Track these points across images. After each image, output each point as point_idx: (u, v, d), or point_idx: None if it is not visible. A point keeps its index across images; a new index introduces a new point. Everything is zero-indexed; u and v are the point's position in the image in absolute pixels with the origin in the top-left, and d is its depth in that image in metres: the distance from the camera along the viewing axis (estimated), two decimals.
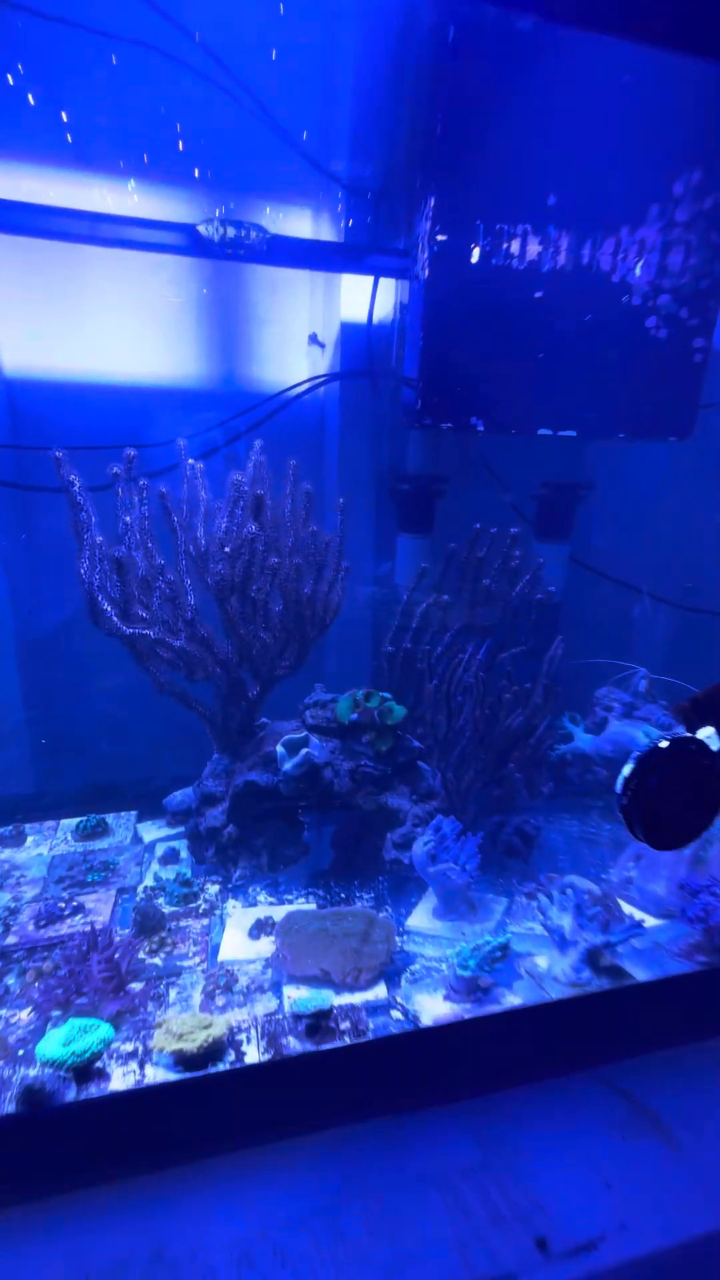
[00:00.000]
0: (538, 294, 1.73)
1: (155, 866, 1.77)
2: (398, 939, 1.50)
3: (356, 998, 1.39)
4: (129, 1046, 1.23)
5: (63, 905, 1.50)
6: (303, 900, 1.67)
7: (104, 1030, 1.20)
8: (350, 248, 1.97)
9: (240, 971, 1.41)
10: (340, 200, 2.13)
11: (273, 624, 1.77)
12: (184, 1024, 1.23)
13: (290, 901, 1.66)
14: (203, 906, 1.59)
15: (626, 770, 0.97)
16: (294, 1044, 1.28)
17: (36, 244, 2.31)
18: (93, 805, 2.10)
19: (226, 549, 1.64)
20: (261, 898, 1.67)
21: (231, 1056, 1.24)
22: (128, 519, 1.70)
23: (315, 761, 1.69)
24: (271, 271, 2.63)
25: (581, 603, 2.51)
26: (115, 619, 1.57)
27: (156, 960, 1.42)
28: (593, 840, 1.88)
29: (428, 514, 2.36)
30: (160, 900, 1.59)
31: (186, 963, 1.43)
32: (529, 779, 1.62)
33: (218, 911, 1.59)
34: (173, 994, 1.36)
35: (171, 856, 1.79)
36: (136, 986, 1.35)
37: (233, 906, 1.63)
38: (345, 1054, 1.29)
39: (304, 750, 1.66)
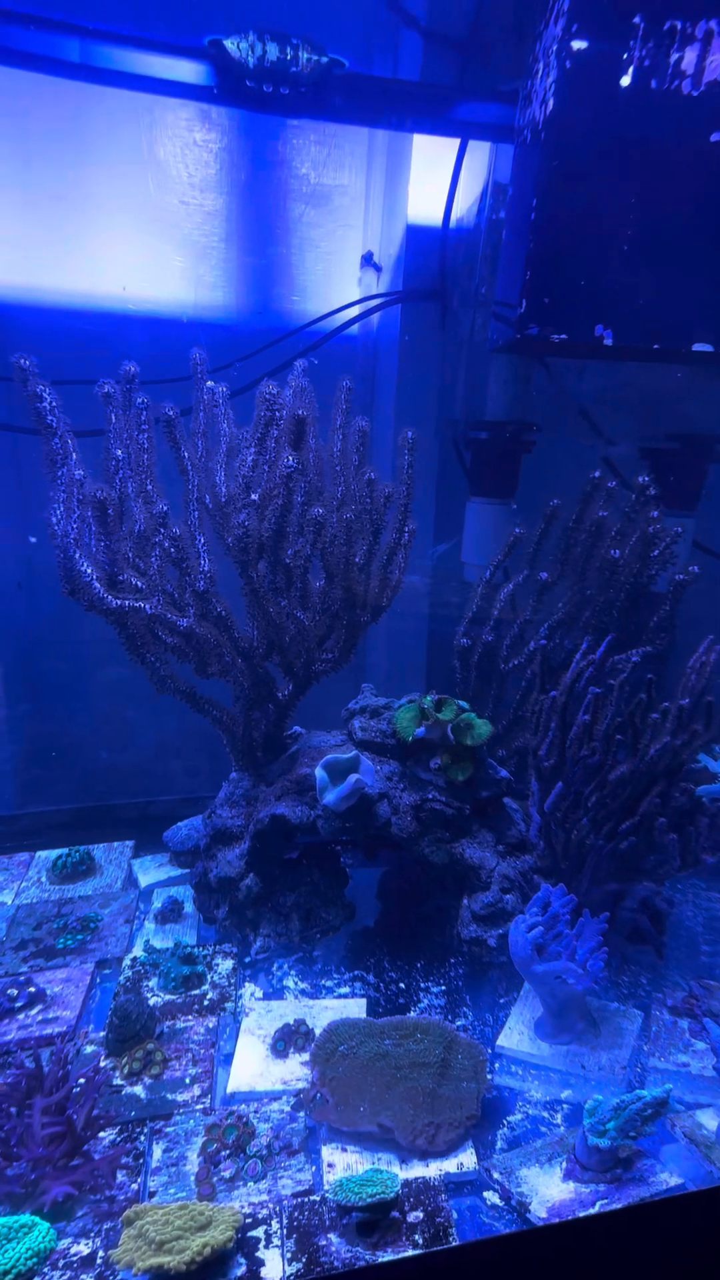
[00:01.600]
0: (716, 136, 1.19)
1: (150, 927, 1.32)
2: (489, 1074, 1.01)
3: (431, 1169, 0.92)
4: (82, 1249, 0.78)
5: (14, 992, 1.05)
6: (346, 989, 1.19)
7: (38, 1235, 0.75)
8: (435, 90, 1.45)
9: (258, 1117, 0.94)
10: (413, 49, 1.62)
11: (312, 602, 1.29)
12: (168, 1222, 0.77)
13: (329, 991, 1.18)
14: (209, 996, 1.13)
15: None
16: (338, 1247, 0.81)
17: (23, 133, 1.87)
18: (81, 832, 1.67)
19: (253, 494, 1.17)
20: (290, 983, 1.19)
21: (241, 1271, 0.78)
22: (119, 453, 1.24)
23: (368, 793, 1.21)
24: (319, 173, 2.14)
25: (701, 597, 1.96)
26: (97, 585, 1.11)
27: (138, 1089, 0.97)
28: None
29: (510, 473, 1.85)
30: (153, 983, 1.13)
31: (181, 1094, 0.97)
32: (682, 838, 1.11)
33: (229, 1004, 1.12)
34: (157, 1151, 0.90)
35: (172, 911, 1.33)
36: (105, 1136, 0.90)
37: (251, 997, 1.16)
38: (418, 1270, 0.82)
39: (353, 777, 1.18)
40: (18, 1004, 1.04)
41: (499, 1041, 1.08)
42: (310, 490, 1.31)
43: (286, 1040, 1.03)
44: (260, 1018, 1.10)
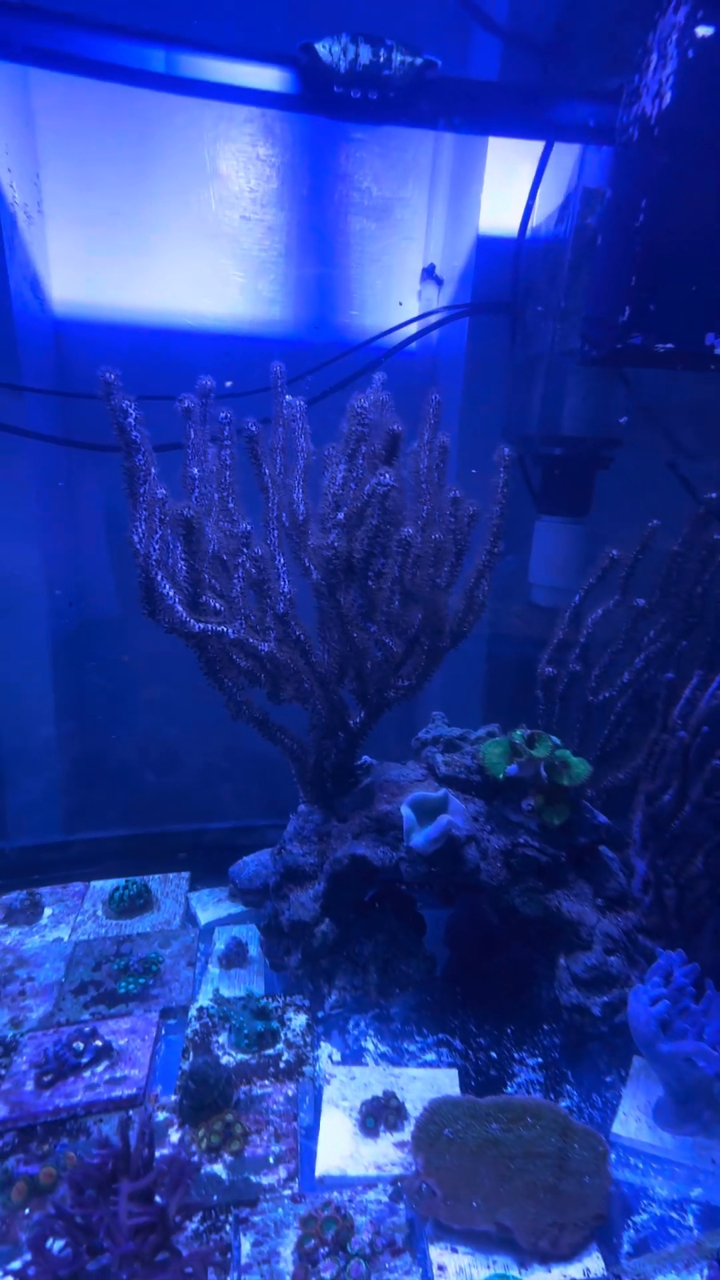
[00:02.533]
0: None
1: (214, 971, 1.23)
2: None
3: (555, 1275, 0.80)
4: None
5: (80, 1046, 0.97)
6: (432, 1056, 1.08)
7: None
8: (529, 90, 1.39)
9: (354, 1207, 0.84)
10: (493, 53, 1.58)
11: (395, 625, 1.21)
12: None
13: (413, 1057, 1.08)
14: (285, 1057, 1.03)
15: None
16: None
17: (84, 149, 1.87)
18: (133, 861, 1.60)
19: (340, 512, 1.10)
20: (370, 1044, 1.09)
21: None
22: (195, 471, 1.19)
23: (456, 835, 1.11)
24: (380, 186, 2.11)
25: None
26: (180, 608, 1.05)
27: (218, 1168, 0.87)
28: None
29: (584, 490, 1.76)
30: (223, 1039, 1.04)
31: (266, 1176, 0.87)
32: None
33: (307, 1067, 1.02)
34: (246, 1245, 0.81)
35: (236, 954, 1.25)
36: (188, 1224, 0.81)
37: (329, 1060, 1.06)
38: None
39: (444, 818, 1.09)
40: (84, 1059, 0.95)
41: (614, 1129, 0.96)
42: (393, 508, 1.24)
43: (376, 1116, 0.93)
44: (343, 1086, 1.00)
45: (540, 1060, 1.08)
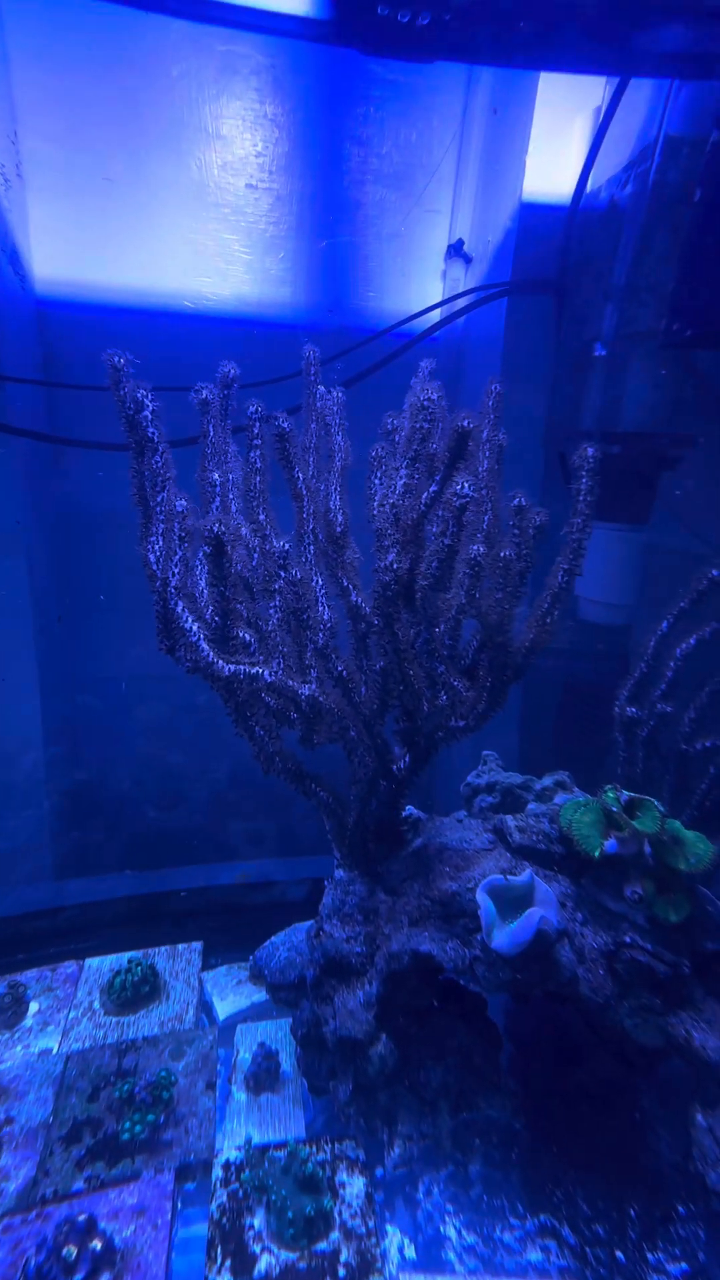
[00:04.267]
0: None
1: (239, 1098, 0.99)
2: None
3: None
4: None
5: (71, 1252, 0.69)
6: (537, 1255, 0.83)
7: None
8: (610, 7, 1.16)
9: None
10: None
11: (459, 658, 0.99)
12: None
13: (513, 1253, 0.82)
14: (345, 1257, 0.77)
15: None
16: None
17: (73, 107, 1.62)
18: (136, 929, 1.36)
19: (401, 522, 0.87)
20: (451, 1231, 0.83)
21: None
22: (216, 476, 0.96)
23: (550, 934, 0.89)
24: (403, 153, 1.88)
25: None
26: (205, 646, 0.82)
27: None
28: None
29: (646, 495, 1.55)
30: (257, 1222, 0.80)
31: None
32: None
33: (378, 1275, 0.77)
34: None
35: (266, 1070, 1.01)
36: None
37: (400, 1259, 0.81)
38: None
39: (534, 913, 0.86)
40: (77, 1274, 0.69)
41: None
42: (468, 524, 1.01)
43: None
44: None
45: (686, 1269, 0.83)
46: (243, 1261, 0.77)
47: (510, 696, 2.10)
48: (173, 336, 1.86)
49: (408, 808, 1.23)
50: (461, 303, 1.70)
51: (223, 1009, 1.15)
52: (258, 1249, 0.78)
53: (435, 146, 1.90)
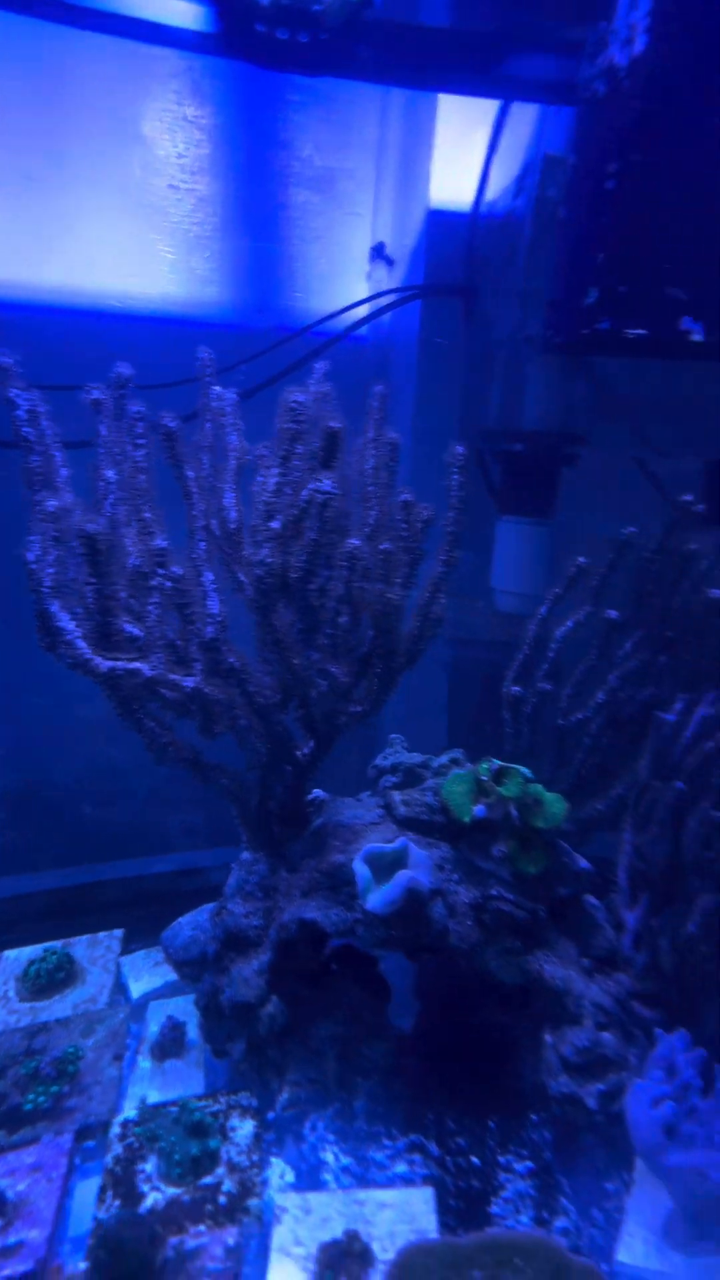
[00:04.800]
0: None
1: (144, 1065, 1.05)
2: None
3: None
4: None
5: None
6: (403, 1166, 0.93)
7: None
8: (490, 38, 1.23)
9: None
10: None
11: (342, 645, 1.06)
12: None
13: (382, 1168, 0.93)
14: (226, 1185, 0.85)
15: None
16: None
17: None
18: (62, 921, 1.40)
19: (274, 522, 0.93)
20: (330, 1156, 0.93)
21: None
22: (111, 474, 1.00)
23: (421, 892, 0.97)
24: (323, 156, 1.93)
25: None
26: (82, 644, 0.87)
27: None
28: None
29: (549, 489, 1.64)
30: (149, 1167, 0.87)
31: None
32: None
33: (253, 1200, 0.85)
34: None
35: (171, 1039, 1.07)
36: None
37: (281, 1183, 0.90)
38: None
39: (403, 874, 0.94)
40: None
41: (619, 1256, 0.83)
42: (334, 516, 1.08)
43: (335, 1267, 0.77)
44: (296, 1224, 0.83)
45: (531, 1165, 0.94)
46: (131, 1199, 0.84)
47: (439, 684, 2.19)
48: (100, 336, 1.87)
49: (315, 790, 1.29)
50: (368, 309, 1.76)
51: (137, 989, 1.20)
52: (147, 1189, 0.85)
53: (354, 150, 1.95)
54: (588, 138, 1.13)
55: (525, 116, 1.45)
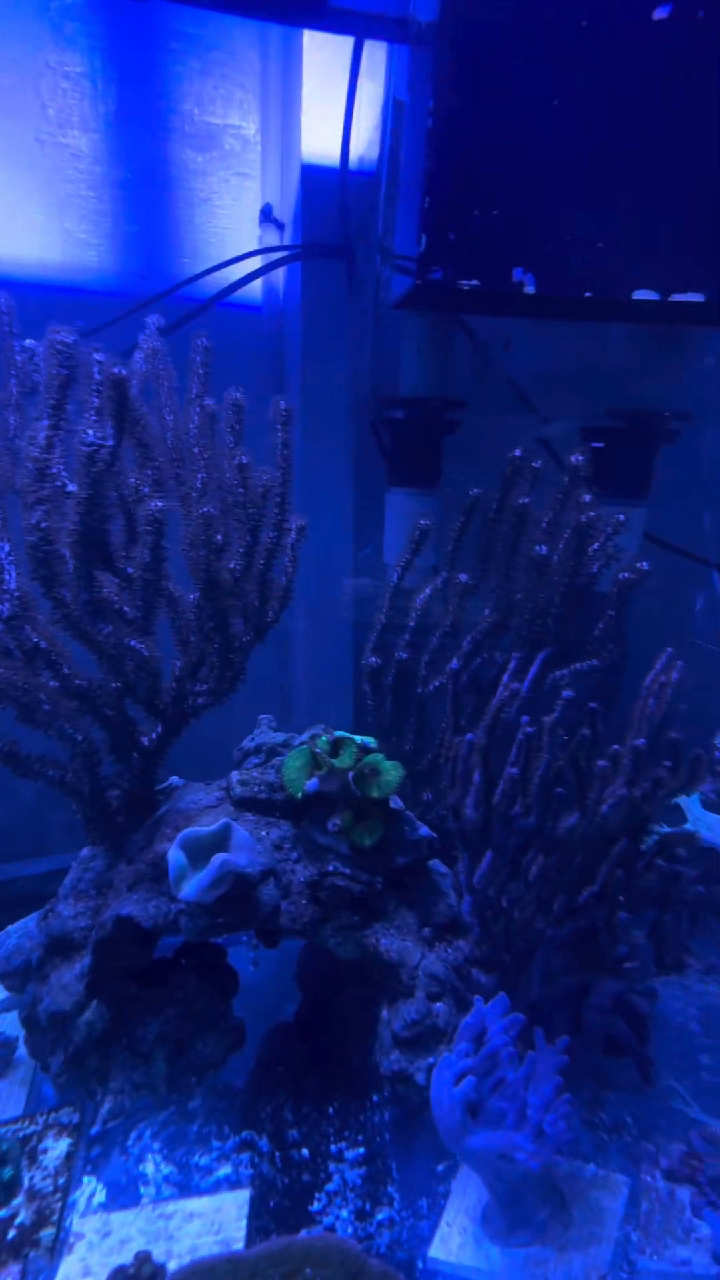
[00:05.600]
0: (661, 13, 0.92)
1: None
2: None
3: None
4: None
5: None
6: (227, 1169, 0.87)
7: None
8: None
9: None
10: None
11: (153, 625, 0.98)
12: None
13: (205, 1173, 0.87)
14: (21, 1219, 0.77)
15: None
16: None
17: None
18: None
19: (46, 485, 0.84)
20: (150, 1167, 0.86)
21: None
22: None
23: (247, 873, 0.91)
24: (205, 111, 1.81)
25: (661, 600, 1.73)
26: None
27: None
28: None
29: (431, 459, 1.58)
30: None
31: None
32: (657, 930, 0.86)
33: (47, 1230, 0.77)
34: None
35: (1, 1059, 0.99)
36: None
37: (90, 1205, 0.82)
38: None
39: (218, 860, 0.88)
40: None
41: (432, 1252, 0.78)
42: (158, 480, 1.00)
43: None
44: (89, 1251, 0.75)
45: (363, 1152, 0.89)
46: None
47: (346, 664, 2.11)
48: None
49: (172, 778, 1.22)
50: (248, 267, 1.67)
51: None
52: None
53: (237, 106, 1.85)
54: (415, 77, 1.06)
55: (382, 60, 1.37)
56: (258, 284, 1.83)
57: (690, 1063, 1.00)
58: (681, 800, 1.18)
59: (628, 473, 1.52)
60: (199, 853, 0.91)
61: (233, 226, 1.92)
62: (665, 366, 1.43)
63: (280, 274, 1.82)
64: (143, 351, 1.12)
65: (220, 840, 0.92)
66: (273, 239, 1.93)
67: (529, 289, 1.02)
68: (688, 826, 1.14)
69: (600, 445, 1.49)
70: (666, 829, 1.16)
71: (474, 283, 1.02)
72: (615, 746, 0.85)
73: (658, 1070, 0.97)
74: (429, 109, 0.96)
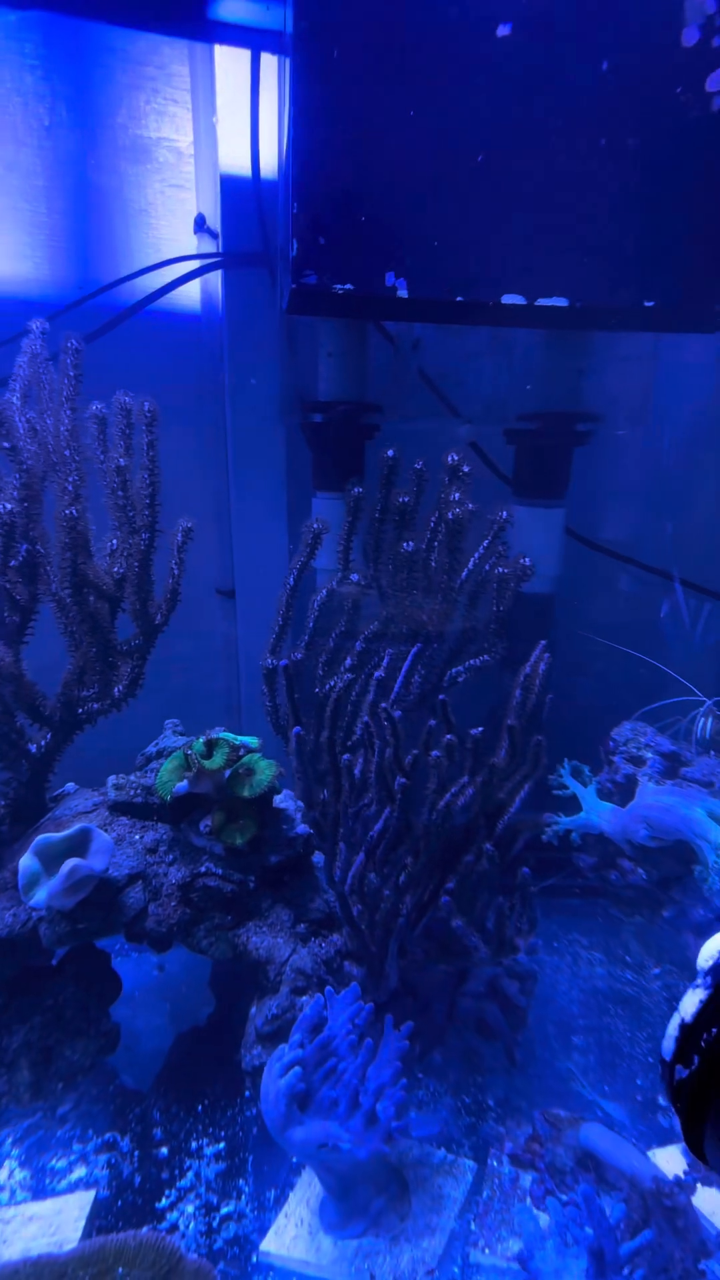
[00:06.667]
0: (503, 30, 0.93)
1: None
2: None
3: None
4: None
5: None
6: (81, 1171, 0.86)
7: None
8: None
9: None
10: None
11: (9, 629, 0.98)
12: None
13: (59, 1177, 0.86)
14: None
15: (690, 1006, 0.32)
16: None
17: None
18: None
19: None
20: (4, 1174, 0.85)
21: None
22: None
23: (112, 876, 0.90)
24: (137, 124, 1.84)
25: (581, 596, 1.74)
26: None
27: None
28: (627, 998, 1.06)
29: (351, 461, 1.59)
30: None
31: None
32: (496, 917, 0.85)
33: None
34: None
35: None
36: None
37: None
38: None
39: (69, 864, 0.87)
40: None
41: (264, 1244, 0.76)
42: (27, 484, 1.00)
43: None
44: None
45: (223, 1147, 0.88)
46: None
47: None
48: None
49: (68, 784, 1.21)
50: (166, 276, 1.69)
51: None
52: None
53: (169, 119, 1.88)
54: (282, 86, 1.08)
55: (275, 69, 1.39)
56: (197, 295, 1.85)
57: (563, 1044, 0.98)
58: (577, 790, 1.16)
59: (541, 474, 1.52)
60: (55, 859, 0.90)
61: (170, 237, 1.94)
62: (571, 369, 1.43)
63: (218, 284, 1.84)
64: (25, 355, 1.12)
65: (77, 845, 0.91)
66: (208, 248, 1.96)
67: (402, 293, 1.02)
68: (581, 816, 1.12)
69: (514, 446, 1.50)
70: (565, 820, 1.15)
71: (348, 286, 1.03)
72: (449, 736, 0.84)
73: (528, 1048, 0.95)
74: (291, 117, 0.97)
